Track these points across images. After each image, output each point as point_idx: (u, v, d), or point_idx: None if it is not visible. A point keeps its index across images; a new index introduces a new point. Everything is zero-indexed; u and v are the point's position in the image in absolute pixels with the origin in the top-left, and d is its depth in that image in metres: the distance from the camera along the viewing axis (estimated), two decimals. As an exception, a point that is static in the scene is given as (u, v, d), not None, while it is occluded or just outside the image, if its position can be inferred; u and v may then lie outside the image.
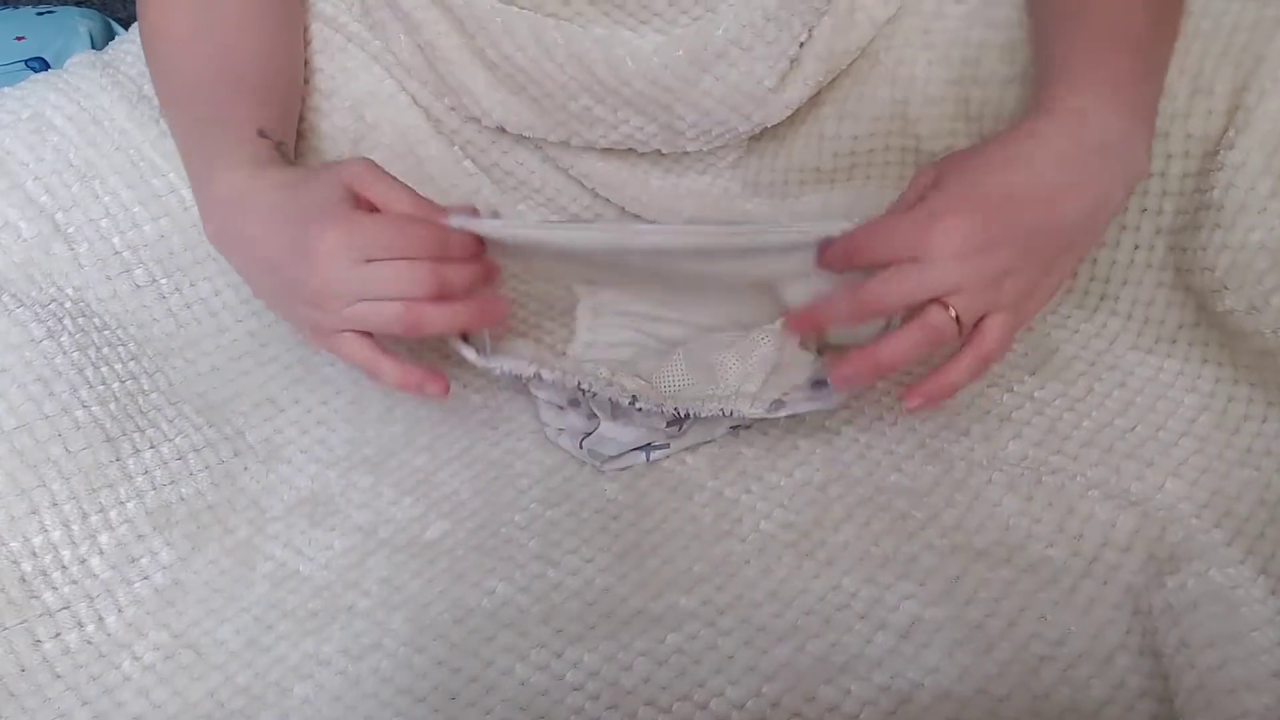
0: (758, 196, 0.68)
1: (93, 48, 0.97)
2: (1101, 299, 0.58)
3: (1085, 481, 0.50)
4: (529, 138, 0.66)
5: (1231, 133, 0.50)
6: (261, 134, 0.54)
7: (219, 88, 0.57)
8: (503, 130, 0.65)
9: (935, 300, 0.45)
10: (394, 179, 0.50)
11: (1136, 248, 0.56)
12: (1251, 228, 0.49)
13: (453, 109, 0.66)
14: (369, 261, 0.47)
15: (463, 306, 0.49)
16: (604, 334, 0.60)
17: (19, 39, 0.96)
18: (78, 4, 1.05)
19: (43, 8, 1.03)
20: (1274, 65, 0.48)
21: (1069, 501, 0.50)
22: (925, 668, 0.44)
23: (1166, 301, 0.55)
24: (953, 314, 0.45)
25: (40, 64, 0.93)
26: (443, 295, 0.48)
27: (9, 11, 1.03)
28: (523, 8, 0.59)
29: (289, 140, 0.59)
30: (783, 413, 0.51)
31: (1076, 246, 0.48)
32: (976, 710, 0.43)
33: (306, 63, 0.65)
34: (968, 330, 0.46)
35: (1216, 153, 0.50)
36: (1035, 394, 0.55)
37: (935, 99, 0.61)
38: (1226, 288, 0.50)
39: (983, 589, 0.47)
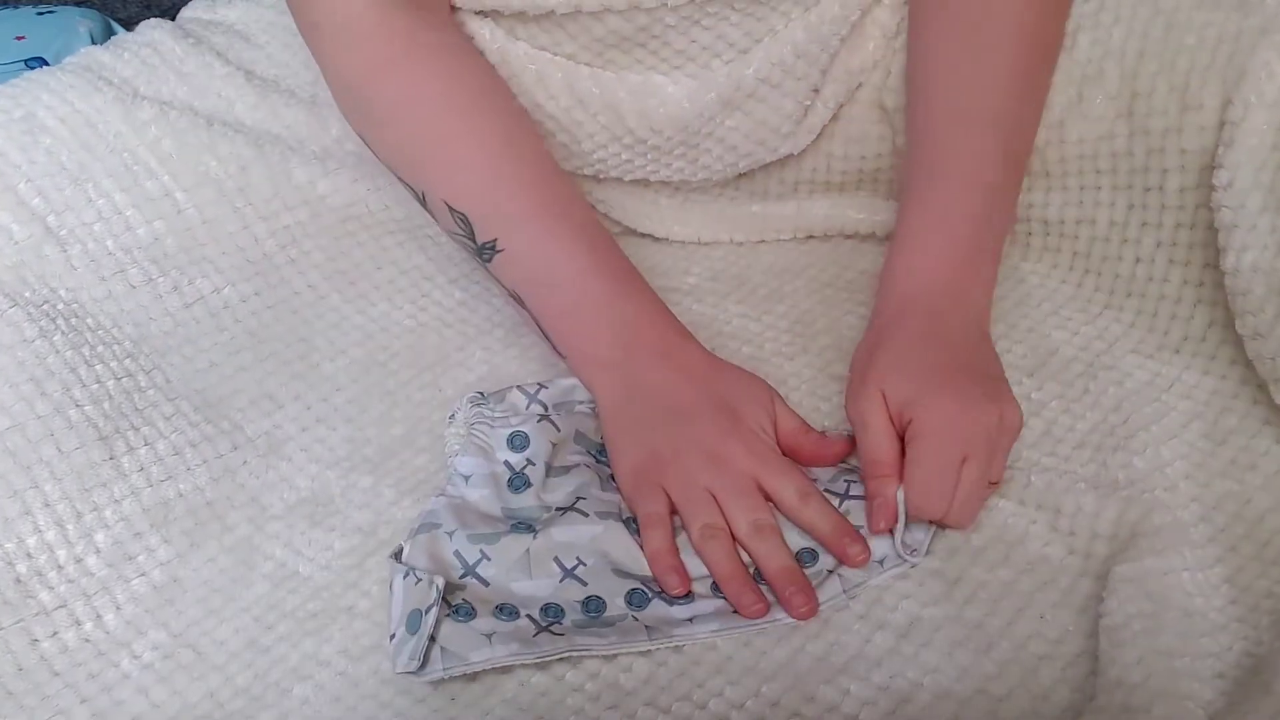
0: (765, 201, 0.69)
1: (93, 48, 0.97)
2: (1105, 307, 0.58)
3: (1075, 476, 0.51)
4: None
5: (1220, 150, 0.49)
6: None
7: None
8: None
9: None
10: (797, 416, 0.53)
11: (1138, 260, 0.56)
12: (1244, 247, 0.49)
13: None
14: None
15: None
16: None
17: (19, 39, 0.95)
18: (78, 4, 1.05)
19: (43, 7, 1.02)
20: (1257, 78, 0.48)
21: (1058, 496, 0.50)
22: (924, 667, 0.44)
23: (1170, 314, 0.55)
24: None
25: (40, 64, 0.93)
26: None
27: (9, 11, 1.02)
28: (556, 55, 0.59)
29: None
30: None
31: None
32: (976, 710, 0.43)
33: None
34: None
35: (1211, 169, 0.50)
36: (1033, 395, 0.55)
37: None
38: (1238, 311, 0.50)
39: (981, 589, 0.47)
